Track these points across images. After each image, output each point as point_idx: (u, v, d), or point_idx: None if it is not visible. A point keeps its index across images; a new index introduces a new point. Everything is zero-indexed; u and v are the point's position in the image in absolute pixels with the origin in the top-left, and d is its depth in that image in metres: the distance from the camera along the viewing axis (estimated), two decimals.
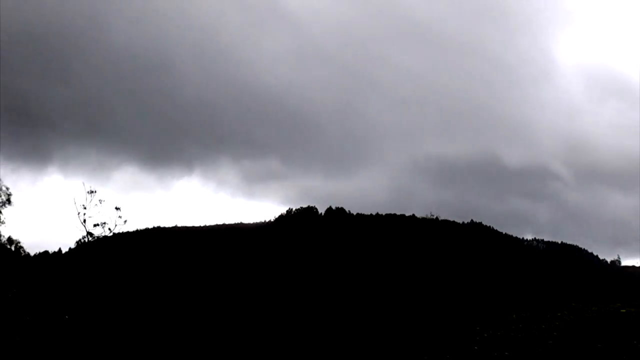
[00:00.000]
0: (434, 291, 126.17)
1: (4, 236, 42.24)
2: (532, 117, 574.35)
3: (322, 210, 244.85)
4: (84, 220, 27.10)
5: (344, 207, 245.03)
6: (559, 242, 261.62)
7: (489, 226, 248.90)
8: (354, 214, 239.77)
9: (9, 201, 40.67)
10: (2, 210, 41.16)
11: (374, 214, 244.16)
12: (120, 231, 29.00)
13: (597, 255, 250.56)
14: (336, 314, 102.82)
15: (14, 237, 45.27)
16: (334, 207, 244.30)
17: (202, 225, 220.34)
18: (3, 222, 41.48)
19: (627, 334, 15.39)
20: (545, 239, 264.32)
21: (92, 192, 27.03)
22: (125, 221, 28.59)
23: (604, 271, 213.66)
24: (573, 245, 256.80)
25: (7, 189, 41.08)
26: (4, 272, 33.10)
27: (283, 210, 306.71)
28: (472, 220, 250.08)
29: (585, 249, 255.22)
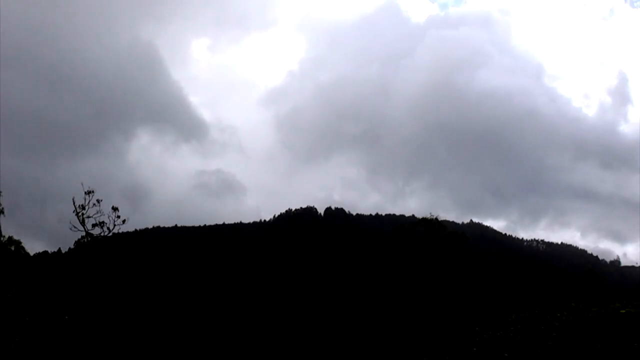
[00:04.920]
0: (433, 291, 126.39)
1: (4, 236, 40.01)
2: None
3: (321, 210, 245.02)
4: (83, 221, 27.06)
5: (344, 208, 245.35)
6: (559, 242, 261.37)
7: (489, 226, 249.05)
8: (354, 214, 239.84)
9: None
10: None
11: (373, 214, 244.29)
12: (119, 231, 28.81)
13: (596, 256, 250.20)
14: (335, 315, 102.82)
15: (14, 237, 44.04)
16: (333, 207, 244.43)
17: (201, 224, 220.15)
18: (2, 212, 36.08)
19: (627, 335, 15.37)
20: (546, 240, 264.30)
21: (90, 192, 26.96)
22: (124, 221, 28.49)
23: (603, 271, 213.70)
24: (573, 246, 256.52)
25: None
26: (4, 272, 32.74)
27: None
28: (471, 220, 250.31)
29: (585, 249, 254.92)
